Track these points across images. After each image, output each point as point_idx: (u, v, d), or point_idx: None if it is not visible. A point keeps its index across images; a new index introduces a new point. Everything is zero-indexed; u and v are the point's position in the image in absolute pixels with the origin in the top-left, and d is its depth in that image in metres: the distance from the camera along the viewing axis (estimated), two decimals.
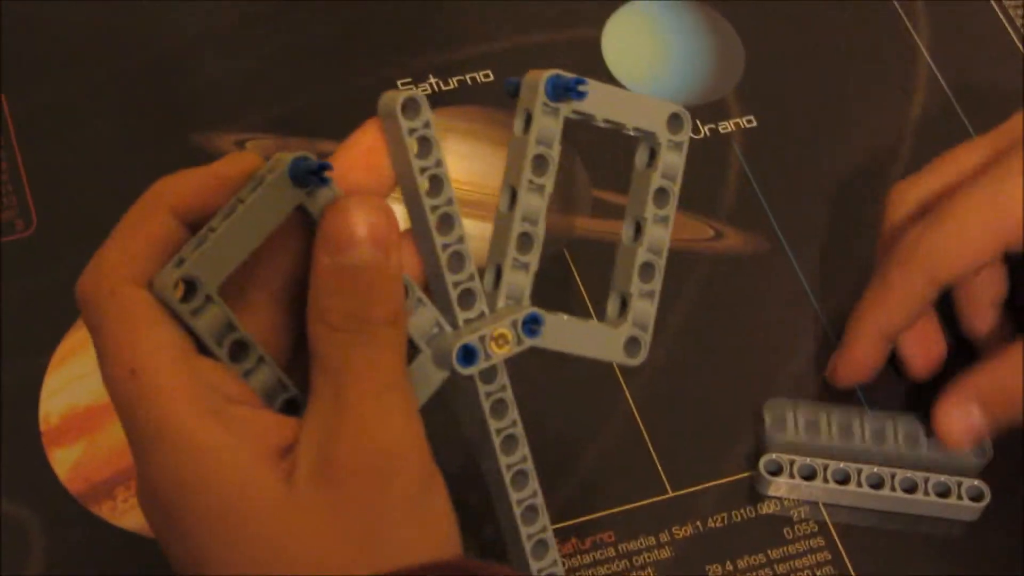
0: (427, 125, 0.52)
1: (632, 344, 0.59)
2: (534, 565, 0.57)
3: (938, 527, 0.72)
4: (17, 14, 0.86)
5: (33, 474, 0.71)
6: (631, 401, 0.73)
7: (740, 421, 0.74)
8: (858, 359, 0.70)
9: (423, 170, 0.52)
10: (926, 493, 0.72)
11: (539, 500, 0.57)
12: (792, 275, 0.78)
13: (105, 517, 0.70)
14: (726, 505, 0.73)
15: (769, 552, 0.71)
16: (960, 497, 0.72)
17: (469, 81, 0.85)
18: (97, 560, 0.69)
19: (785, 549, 0.71)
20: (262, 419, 0.50)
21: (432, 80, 0.84)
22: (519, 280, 0.56)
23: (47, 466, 0.71)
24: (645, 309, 0.59)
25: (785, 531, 0.72)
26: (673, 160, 0.58)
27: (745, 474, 0.73)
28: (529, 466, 0.56)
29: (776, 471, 0.72)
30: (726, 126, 0.83)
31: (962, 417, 0.66)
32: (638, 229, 0.59)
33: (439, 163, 0.52)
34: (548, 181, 0.57)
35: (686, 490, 0.72)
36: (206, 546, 0.49)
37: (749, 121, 0.83)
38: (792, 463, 0.72)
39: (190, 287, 0.49)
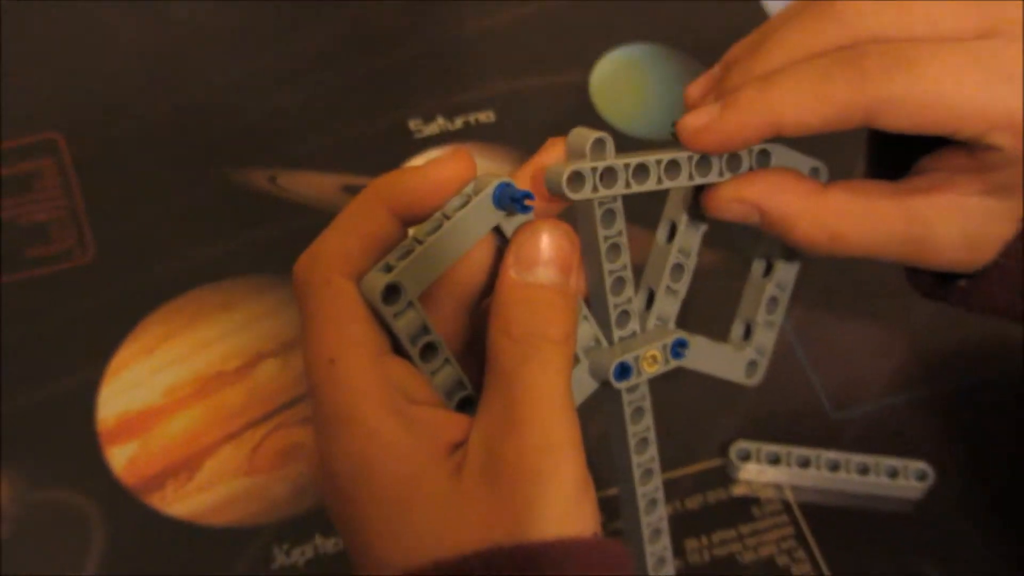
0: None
1: (751, 366, 0.59)
2: (648, 548, 0.57)
3: (889, 504, 0.73)
4: (72, 65, 0.87)
5: (92, 470, 0.72)
6: None
7: (713, 414, 0.76)
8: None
9: (600, 203, 0.51)
10: (877, 474, 0.73)
11: (660, 495, 0.57)
12: None
13: (156, 506, 0.71)
14: (701, 488, 0.74)
15: (740, 528, 0.73)
16: (907, 478, 0.73)
17: (473, 121, 0.86)
18: (149, 544, 0.71)
19: (754, 526, 0.73)
20: (438, 418, 0.49)
21: (439, 120, 0.85)
22: (669, 305, 0.56)
23: (105, 463, 0.72)
24: (766, 337, 0.59)
25: (754, 510, 0.73)
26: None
27: (718, 460, 0.74)
28: (656, 465, 0.56)
29: (745, 457, 0.73)
30: None
31: (740, 212, 0.55)
32: (769, 267, 0.59)
33: (616, 198, 0.51)
34: (704, 220, 0.56)
35: (666, 475, 0.69)
36: (376, 527, 0.48)
37: None
38: (759, 450, 0.73)
39: (394, 292, 0.48)
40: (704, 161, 0.53)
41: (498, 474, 0.48)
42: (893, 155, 0.58)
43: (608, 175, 0.50)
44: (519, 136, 0.85)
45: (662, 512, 0.57)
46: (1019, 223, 0.56)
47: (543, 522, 0.48)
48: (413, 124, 0.85)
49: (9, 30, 0.88)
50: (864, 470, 0.73)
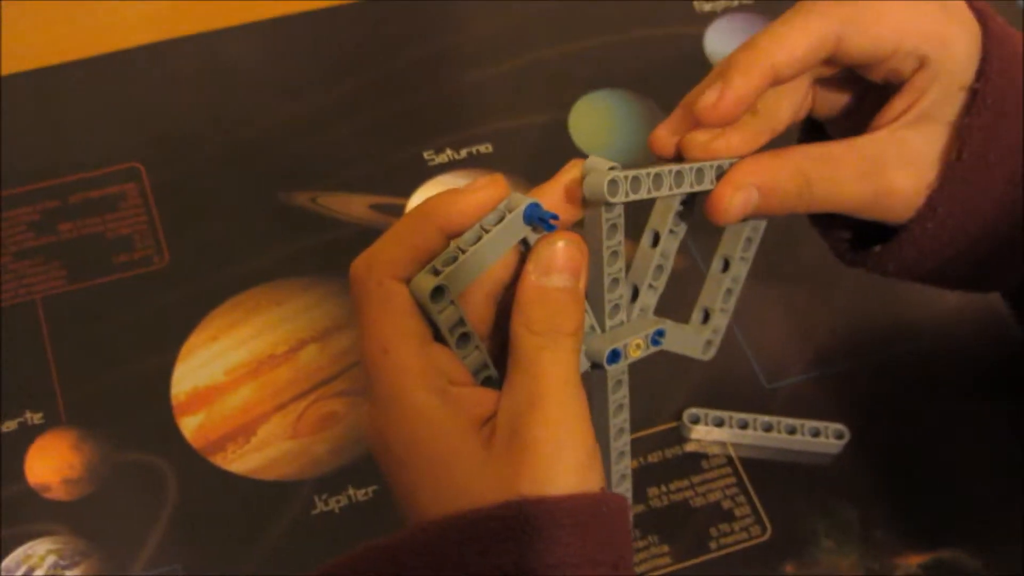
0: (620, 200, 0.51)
1: (708, 345, 0.59)
2: (615, 490, 0.56)
3: (813, 459, 0.73)
4: (151, 108, 0.86)
5: (168, 436, 0.72)
6: None
7: (669, 386, 0.75)
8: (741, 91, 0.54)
9: (607, 220, 0.50)
10: (803, 434, 0.73)
11: (628, 448, 0.56)
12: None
13: (219, 464, 0.72)
14: (660, 445, 0.73)
15: (692, 478, 0.72)
16: (827, 437, 0.73)
17: (475, 152, 0.85)
18: (213, 496, 0.71)
19: (703, 476, 0.72)
20: (472, 396, 0.49)
21: (448, 152, 0.84)
22: (649, 297, 0.56)
23: (177, 430, 0.73)
24: (721, 320, 0.59)
25: (703, 463, 0.73)
26: (758, 222, 0.58)
27: (673, 423, 0.74)
28: (627, 425, 0.55)
29: (695, 420, 0.73)
30: None
31: (743, 200, 0.54)
32: (727, 265, 0.59)
33: (620, 215, 0.50)
34: (681, 230, 0.56)
35: (632, 436, 0.71)
36: (423, 485, 0.48)
37: None
38: (707, 414, 0.73)
39: (440, 292, 0.48)
40: (699, 172, 0.53)
41: (523, 443, 0.48)
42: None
43: (634, 183, 0.50)
44: (512, 163, 0.85)
45: (628, 462, 0.57)
46: (948, 144, 0.56)
47: (561, 481, 0.47)
48: (427, 154, 0.85)
49: (97, 82, 0.88)
50: (792, 430, 0.73)
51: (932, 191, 0.56)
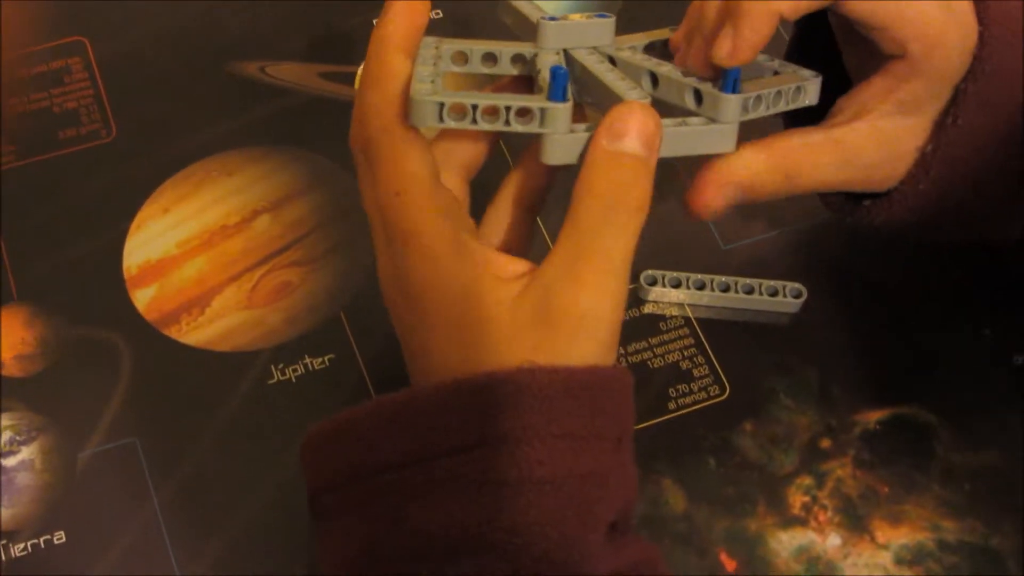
0: None
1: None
2: None
3: (771, 318, 0.71)
4: None
5: (120, 309, 0.71)
6: (546, 235, 0.71)
7: None
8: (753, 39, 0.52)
9: None
10: (761, 294, 0.71)
11: None
12: None
13: (173, 336, 0.70)
14: None
15: (650, 340, 0.71)
16: (785, 296, 0.71)
17: None
18: (168, 368, 0.69)
19: (661, 337, 0.71)
20: (481, 249, 0.48)
21: None
22: None
23: (130, 303, 0.71)
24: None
25: (660, 325, 0.71)
26: None
27: (630, 285, 0.71)
28: None
29: (652, 282, 0.71)
30: None
31: (724, 198, 0.54)
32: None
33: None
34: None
35: None
36: (435, 338, 0.47)
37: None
38: (664, 276, 0.71)
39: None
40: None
41: (557, 312, 0.46)
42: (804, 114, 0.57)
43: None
44: (464, 29, 0.82)
45: None
46: (928, 137, 0.55)
47: (582, 357, 0.47)
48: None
49: None
50: (749, 291, 0.71)
51: (926, 153, 0.55)
